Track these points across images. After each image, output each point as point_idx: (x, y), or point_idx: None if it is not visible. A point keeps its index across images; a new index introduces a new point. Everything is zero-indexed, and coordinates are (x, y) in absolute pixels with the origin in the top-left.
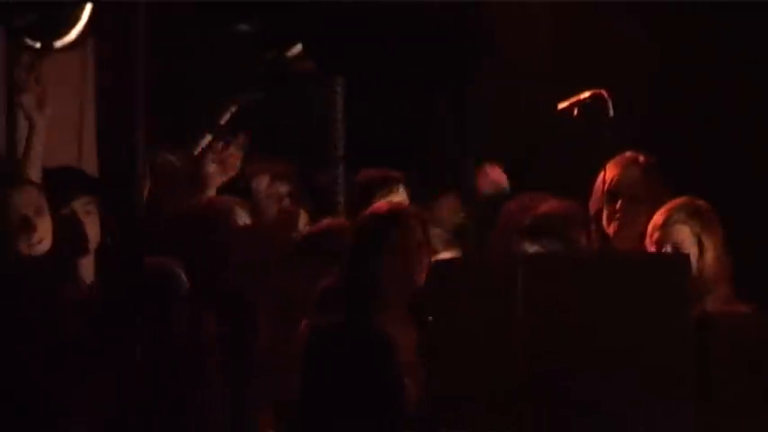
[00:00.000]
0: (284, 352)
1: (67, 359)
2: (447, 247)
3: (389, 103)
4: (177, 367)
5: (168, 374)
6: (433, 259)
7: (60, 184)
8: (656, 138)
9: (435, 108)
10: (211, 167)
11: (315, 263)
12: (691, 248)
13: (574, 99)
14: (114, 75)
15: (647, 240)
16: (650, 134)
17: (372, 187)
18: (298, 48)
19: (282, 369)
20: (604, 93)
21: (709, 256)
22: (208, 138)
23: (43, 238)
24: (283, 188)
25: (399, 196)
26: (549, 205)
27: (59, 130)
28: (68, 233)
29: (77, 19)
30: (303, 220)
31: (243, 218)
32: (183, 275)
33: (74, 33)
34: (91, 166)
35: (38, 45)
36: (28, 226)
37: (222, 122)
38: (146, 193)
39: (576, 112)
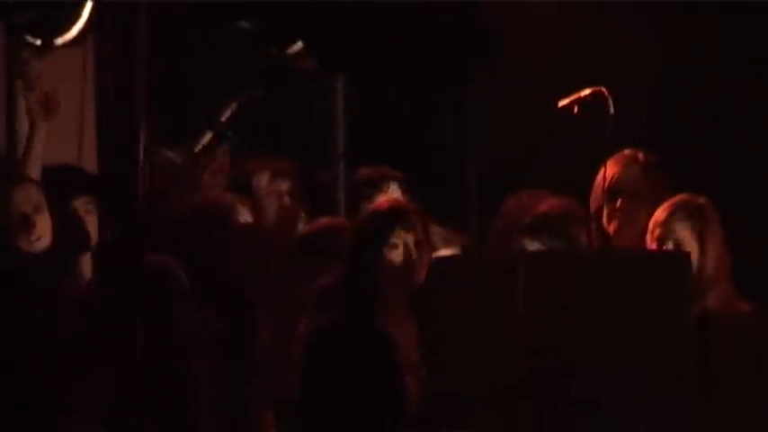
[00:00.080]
0: (284, 351)
1: (67, 356)
2: (447, 244)
3: (390, 102)
4: (176, 365)
5: (167, 372)
6: (433, 256)
7: (60, 181)
8: (662, 137)
9: (436, 108)
10: (204, 177)
11: (313, 262)
12: (692, 246)
13: (574, 96)
14: (115, 74)
15: (649, 237)
16: (657, 134)
17: (364, 185)
18: (298, 45)
19: (282, 368)
20: (604, 90)
21: (711, 253)
22: (208, 135)
23: (42, 235)
24: (284, 185)
25: (392, 194)
26: (549, 203)
27: (60, 127)
28: (69, 231)
29: (78, 16)
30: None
31: (244, 216)
32: (182, 273)
33: (74, 30)
34: (91, 163)
35: (38, 42)
36: (27, 223)
37: (223, 119)
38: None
39: (576, 109)
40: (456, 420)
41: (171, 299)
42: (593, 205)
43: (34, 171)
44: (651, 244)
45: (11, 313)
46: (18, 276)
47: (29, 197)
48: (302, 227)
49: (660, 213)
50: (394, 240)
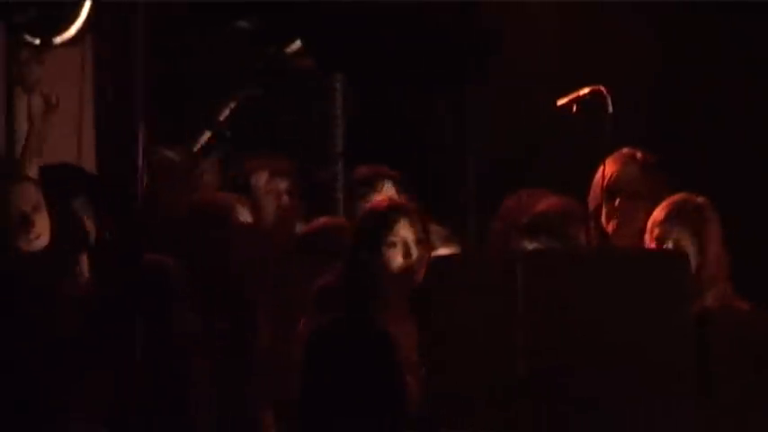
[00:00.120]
0: (284, 351)
1: (66, 355)
2: (446, 243)
3: (389, 102)
4: (176, 365)
5: (167, 372)
6: (431, 255)
7: (59, 181)
8: (661, 137)
9: (434, 107)
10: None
11: (312, 261)
12: (690, 245)
13: (573, 95)
14: (114, 74)
15: (647, 237)
16: (656, 133)
17: (358, 184)
18: (297, 44)
19: (282, 368)
20: (603, 89)
21: (709, 252)
22: (207, 135)
23: (41, 234)
24: (282, 184)
25: (386, 192)
26: (547, 202)
27: (58, 127)
28: (68, 230)
29: (77, 15)
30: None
31: (243, 215)
32: (181, 272)
33: (73, 30)
34: (89, 163)
35: (37, 41)
36: (26, 222)
37: (221, 119)
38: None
39: (574, 108)
40: (456, 420)
41: (170, 299)
42: (591, 204)
43: (33, 169)
44: (650, 243)
45: (10, 312)
46: (17, 275)
47: (27, 196)
48: (301, 226)
49: (659, 213)
50: (393, 239)
